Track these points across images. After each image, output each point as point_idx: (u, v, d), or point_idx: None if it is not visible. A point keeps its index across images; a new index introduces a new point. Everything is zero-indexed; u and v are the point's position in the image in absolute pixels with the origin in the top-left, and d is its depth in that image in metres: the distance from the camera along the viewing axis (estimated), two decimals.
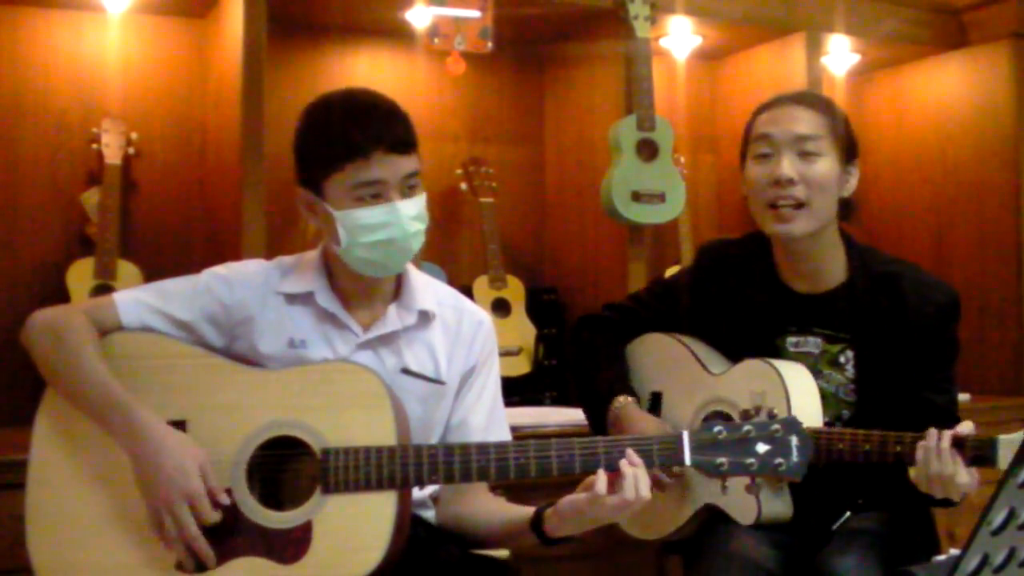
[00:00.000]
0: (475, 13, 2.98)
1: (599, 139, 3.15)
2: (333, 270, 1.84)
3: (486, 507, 1.87)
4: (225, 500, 1.63)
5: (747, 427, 1.63)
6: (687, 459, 1.63)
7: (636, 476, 1.61)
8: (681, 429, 1.72)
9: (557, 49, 3.47)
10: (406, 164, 1.74)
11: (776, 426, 1.62)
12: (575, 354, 2.30)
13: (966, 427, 1.79)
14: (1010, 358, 3.52)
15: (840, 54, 3.71)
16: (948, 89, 3.74)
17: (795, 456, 1.61)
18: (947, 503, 1.83)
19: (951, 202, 3.72)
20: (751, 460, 1.62)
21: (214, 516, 1.61)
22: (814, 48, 3.39)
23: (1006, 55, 3.53)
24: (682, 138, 3.47)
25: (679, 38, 3.46)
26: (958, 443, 1.76)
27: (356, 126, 1.71)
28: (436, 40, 2.98)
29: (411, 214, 1.75)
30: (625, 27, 3.06)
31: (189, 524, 1.60)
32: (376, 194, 1.72)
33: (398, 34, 3.18)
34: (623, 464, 1.62)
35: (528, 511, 1.75)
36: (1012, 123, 3.51)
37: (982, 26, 3.61)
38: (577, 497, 1.65)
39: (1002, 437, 1.75)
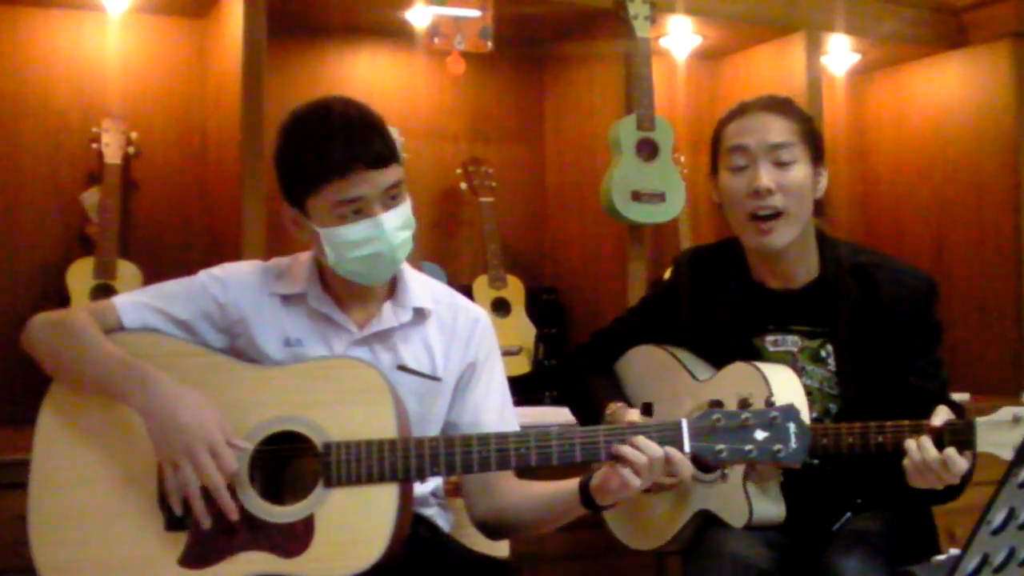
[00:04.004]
0: (475, 13, 2.98)
1: (599, 139, 3.15)
2: (325, 272, 1.84)
3: (525, 491, 1.86)
4: (244, 446, 1.64)
5: (745, 414, 1.63)
6: (686, 446, 1.63)
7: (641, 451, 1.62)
8: None
9: (557, 49, 3.47)
10: (386, 177, 1.73)
11: (774, 413, 1.63)
12: (567, 380, 2.32)
13: (939, 417, 1.81)
14: (1010, 358, 3.52)
15: (840, 54, 3.71)
16: (948, 89, 3.75)
17: (793, 442, 1.62)
18: (951, 493, 1.84)
19: (951, 202, 3.72)
20: (750, 447, 1.62)
21: (234, 465, 1.62)
22: (814, 48, 3.39)
23: (1006, 55, 3.53)
24: (682, 138, 3.47)
25: (679, 38, 3.46)
26: (936, 436, 1.78)
27: (331, 145, 1.69)
28: (436, 40, 2.98)
29: (396, 225, 1.74)
30: (625, 27, 3.06)
31: (212, 473, 1.60)
32: (358, 210, 1.72)
33: (398, 34, 3.18)
34: (624, 449, 1.62)
35: (570, 484, 1.76)
36: (1012, 123, 3.51)
37: (982, 26, 3.61)
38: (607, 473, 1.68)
39: (979, 420, 1.77)
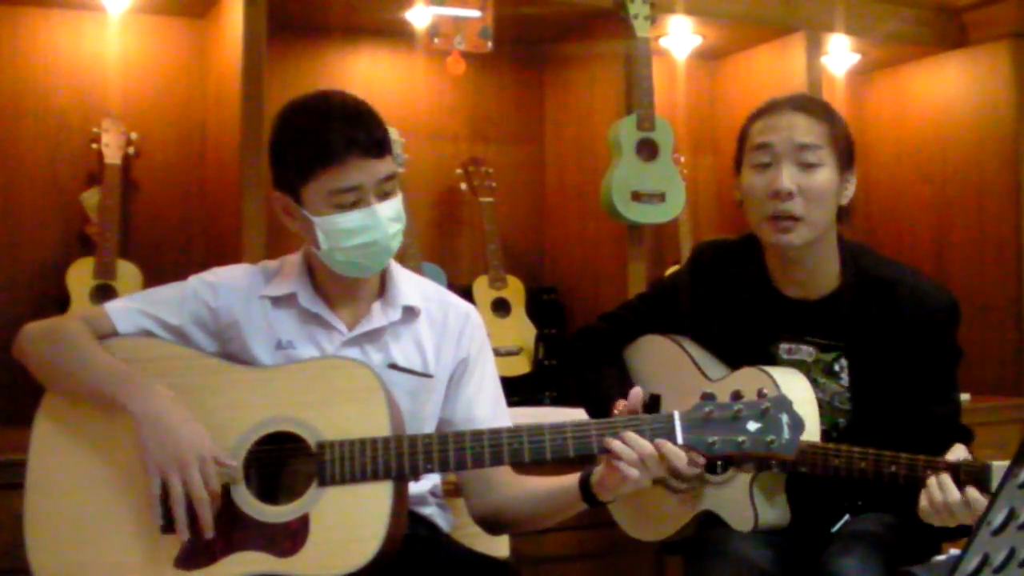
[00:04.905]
0: (475, 13, 2.98)
1: (599, 139, 3.15)
2: (315, 271, 1.85)
3: (523, 487, 1.86)
4: (232, 463, 1.64)
5: (737, 406, 1.63)
6: (679, 438, 1.63)
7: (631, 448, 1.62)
8: None
9: (557, 49, 3.47)
10: (382, 167, 1.74)
11: (766, 404, 1.62)
12: (574, 363, 2.31)
13: (955, 455, 1.77)
14: (1010, 358, 3.52)
15: (840, 54, 3.71)
16: (948, 89, 3.74)
17: (786, 433, 1.61)
18: (961, 529, 1.79)
19: (951, 202, 3.72)
20: (742, 438, 1.61)
21: (217, 484, 1.62)
22: (814, 48, 3.39)
23: (1006, 55, 3.53)
24: (682, 138, 3.47)
25: (679, 38, 3.46)
26: (952, 473, 1.73)
27: (329, 132, 1.71)
28: (436, 40, 2.98)
29: (389, 216, 1.76)
30: (625, 27, 3.06)
31: (199, 485, 1.60)
32: (354, 200, 1.73)
33: (398, 34, 3.18)
34: (615, 444, 1.62)
35: (570, 479, 1.75)
36: (1012, 123, 3.51)
37: (982, 26, 3.61)
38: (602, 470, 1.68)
39: (995, 463, 1.72)
